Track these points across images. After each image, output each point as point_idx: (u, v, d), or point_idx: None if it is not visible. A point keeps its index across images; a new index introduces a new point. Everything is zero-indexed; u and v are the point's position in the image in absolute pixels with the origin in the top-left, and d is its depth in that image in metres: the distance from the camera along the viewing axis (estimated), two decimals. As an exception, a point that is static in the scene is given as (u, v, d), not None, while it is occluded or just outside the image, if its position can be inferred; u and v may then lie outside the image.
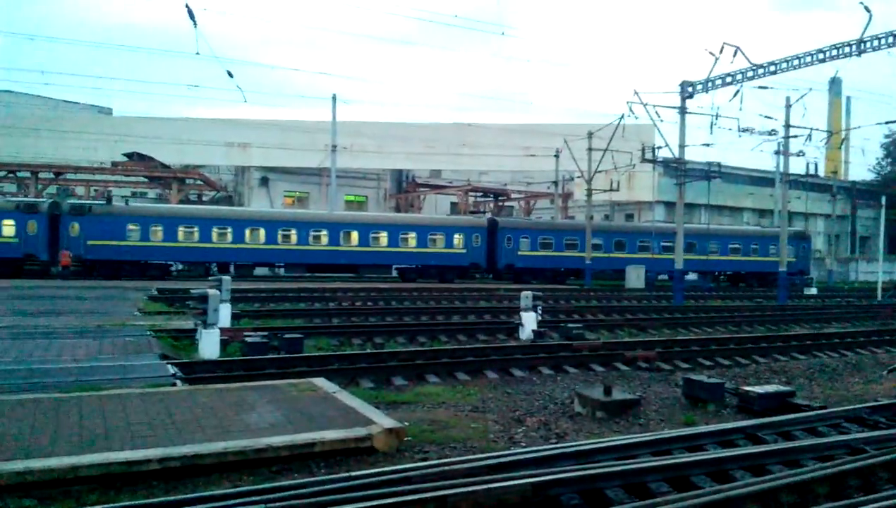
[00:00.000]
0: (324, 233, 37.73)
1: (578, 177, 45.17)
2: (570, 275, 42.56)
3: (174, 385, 9.30)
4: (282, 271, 39.66)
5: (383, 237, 38.85)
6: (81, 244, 33.65)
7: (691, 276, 43.79)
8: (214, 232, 36.02)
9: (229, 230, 36.21)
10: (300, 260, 38.00)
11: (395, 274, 41.21)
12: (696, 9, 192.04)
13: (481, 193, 62.44)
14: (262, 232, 36.70)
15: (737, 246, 45.69)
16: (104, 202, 36.89)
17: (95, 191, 49.15)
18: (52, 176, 48.22)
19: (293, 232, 37.28)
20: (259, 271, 38.95)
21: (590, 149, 39.97)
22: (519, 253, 41.17)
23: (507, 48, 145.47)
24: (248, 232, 36.45)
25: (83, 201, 38.46)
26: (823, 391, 11.17)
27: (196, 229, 35.74)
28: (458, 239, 40.19)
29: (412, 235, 39.35)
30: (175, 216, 36.39)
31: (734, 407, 9.46)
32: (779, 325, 21.65)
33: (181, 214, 36.99)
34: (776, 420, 7.95)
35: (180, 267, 37.78)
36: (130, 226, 34.70)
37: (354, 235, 38.27)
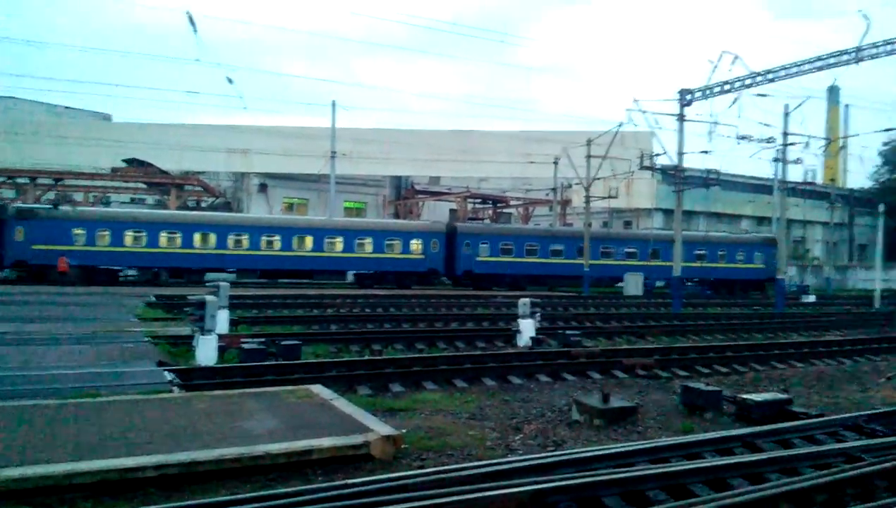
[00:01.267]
0: (276, 237, 37.09)
1: (577, 183, 45.21)
2: (532, 282, 42.02)
3: (171, 391, 9.29)
4: (233, 277, 38.90)
5: (338, 242, 38.27)
6: (27, 249, 33.04)
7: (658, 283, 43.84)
8: (163, 236, 35.34)
9: (178, 234, 35.56)
10: (252, 266, 37.28)
11: (351, 279, 40.49)
12: (695, 18, 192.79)
13: (480, 200, 62.48)
14: (212, 236, 36.04)
15: (702, 252, 45.10)
16: (51, 206, 36.07)
17: (94, 197, 49.16)
18: (51, 181, 48.23)
19: (245, 236, 36.62)
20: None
21: (588, 156, 40.01)
22: (478, 258, 40.61)
23: (508, 55, 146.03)
24: (197, 236, 35.82)
25: (30, 204, 37.45)
26: (821, 399, 11.16)
27: (144, 234, 35.11)
28: (415, 244, 39.68)
29: (368, 240, 38.81)
30: (121, 220, 35.63)
31: (732, 414, 9.45)
32: (776, 333, 21.65)
33: (128, 218, 36.27)
34: (774, 428, 7.94)
35: (130, 272, 36.93)
36: (76, 231, 34.14)
37: (309, 240, 37.68)
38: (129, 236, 34.97)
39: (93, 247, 34.25)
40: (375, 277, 39.16)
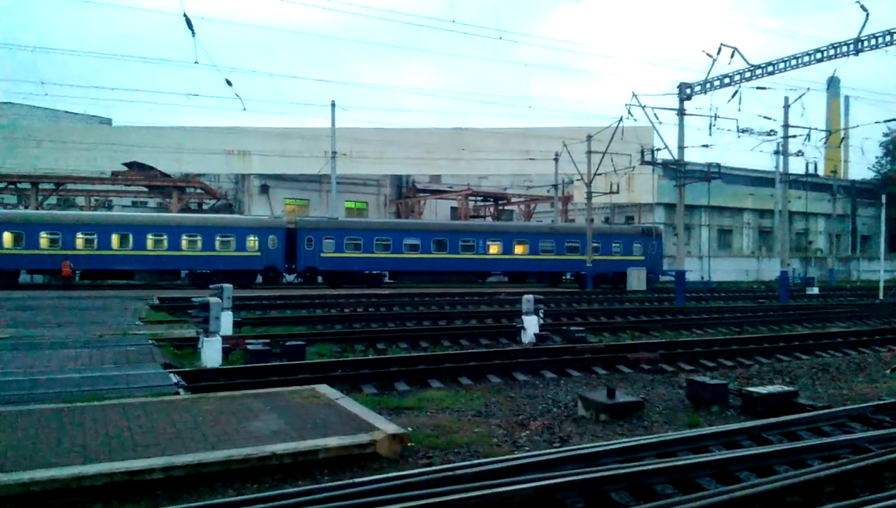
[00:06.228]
0: (93, 236, 35.44)
1: (578, 180, 45.01)
2: (394, 278, 40.77)
3: (177, 394, 9.30)
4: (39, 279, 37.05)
5: (164, 240, 36.58)
6: None
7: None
8: None
9: None
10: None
11: (184, 278, 38.90)
12: (694, 12, 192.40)
13: (481, 197, 62.49)
14: (22, 235, 34.38)
15: (575, 244, 43.01)
16: None
17: (95, 201, 49.26)
18: (52, 186, 48.33)
19: (59, 235, 34.91)
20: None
21: (589, 152, 39.99)
22: (322, 255, 38.66)
23: (506, 52, 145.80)
24: (7, 236, 34.15)
25: None
26: (827, 391, 11.15)
27: None
28: (251, 241, 37.84)
29: (198, 237, 37.15)
30: None
31: (738, 407, 9.44)
32: (781, 325, 21.63)
33: None
34: (780, 420, 7.92)
35: None
36: None
37: (129, 237, 36.03)
38: None
39: None
40: (208, 276, 36.79)
